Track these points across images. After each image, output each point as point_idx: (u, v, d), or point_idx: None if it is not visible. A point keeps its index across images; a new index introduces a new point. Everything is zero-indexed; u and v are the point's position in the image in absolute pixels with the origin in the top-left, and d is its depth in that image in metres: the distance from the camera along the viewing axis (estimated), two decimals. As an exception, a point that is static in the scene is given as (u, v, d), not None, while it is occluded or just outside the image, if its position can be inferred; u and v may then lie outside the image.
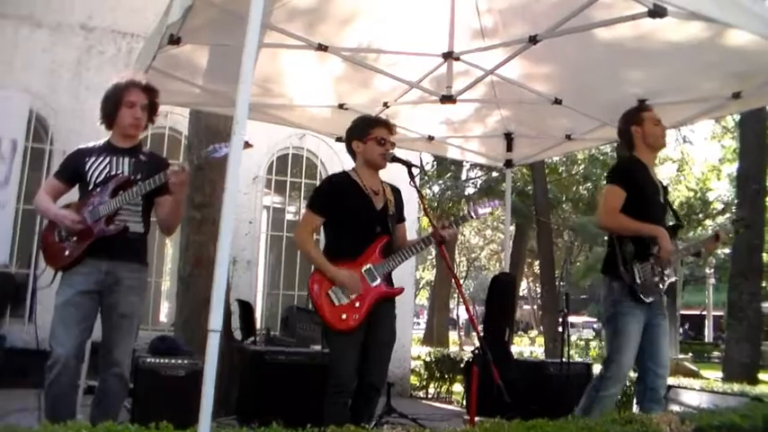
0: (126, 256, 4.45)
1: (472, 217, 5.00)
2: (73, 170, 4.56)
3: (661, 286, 5.07)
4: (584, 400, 5.05)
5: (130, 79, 4.64)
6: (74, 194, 4.59)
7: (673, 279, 5.18)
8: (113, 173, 4.48)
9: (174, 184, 4.34)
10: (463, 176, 25.37)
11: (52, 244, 4.47)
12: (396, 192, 5.05)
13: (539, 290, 33.71)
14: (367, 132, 4.86)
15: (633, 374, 5.56)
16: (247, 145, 4.20)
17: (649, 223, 5.02)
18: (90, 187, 4.46)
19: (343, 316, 4.58)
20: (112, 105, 4.53)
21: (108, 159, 4.51)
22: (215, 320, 2.76)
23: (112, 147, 4.58)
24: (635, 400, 5.40)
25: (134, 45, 10.04)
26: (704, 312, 41.91)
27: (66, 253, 4.39)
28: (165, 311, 12.11)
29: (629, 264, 4.96)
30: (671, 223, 5.27)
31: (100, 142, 4.64)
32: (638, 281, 4.93)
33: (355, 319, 4.59)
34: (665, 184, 5.61)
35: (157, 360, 6.23)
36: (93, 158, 4.51)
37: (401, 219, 5.05)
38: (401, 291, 4.89)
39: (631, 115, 5.35)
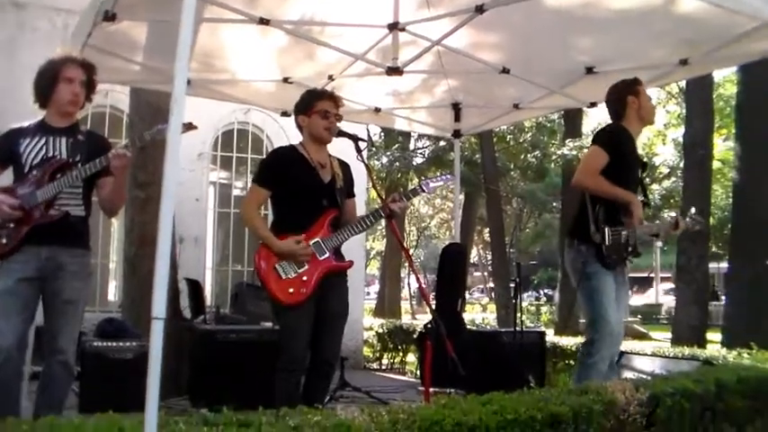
0: (67, 241, 4.30)
1: (423, 191, 4.97)
2: (6, 151, 4.34)
3: (625, 255, 5.09)
4: (579, 370, 5.04)
5: (67, 55, 4.47)
6: (7, 177, 4.41)
7: (637, 252, 5.19)
8: (50, 154, 4.30)
9: (117, 168, 4.19)
10: (411, 147, 25.35)
11: None
12: (344, 166, 5.00)
13: (489, 257, 33.98)
14: (311, 106, 4.81)
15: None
16: (191, 126, 4.11)
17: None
18: (26, 170, 4.27)
19: (291, 290, 4.54)
20: (49, 81, 4.33)
21: (44, 140, 4.32)
22: (158, 308, 2.67)
23: (48, 126, 4.38)
24: None
25: (69, 21, 9.67)
26: (651, 275, 42.65)
27: (4, 241, 4.20)
28: (113, 292, 11.93)
29: (602, 225, 4.97)
30: (639, 198, 5.26)
31: (34, 122, 4.43)
32: (607, 243, 4.94)
33: (303, 293, 4.55)
34: (644, 160, 5.65)
35: (104, 343, 6.17)
36: (27, 139, 4.31)
37: (350, 194, 5.01)
38: (351, 264, 4.86)
39: (627, 85, 5.32)
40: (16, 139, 4.33)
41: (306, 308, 4.57)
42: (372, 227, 4.91)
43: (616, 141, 5.14)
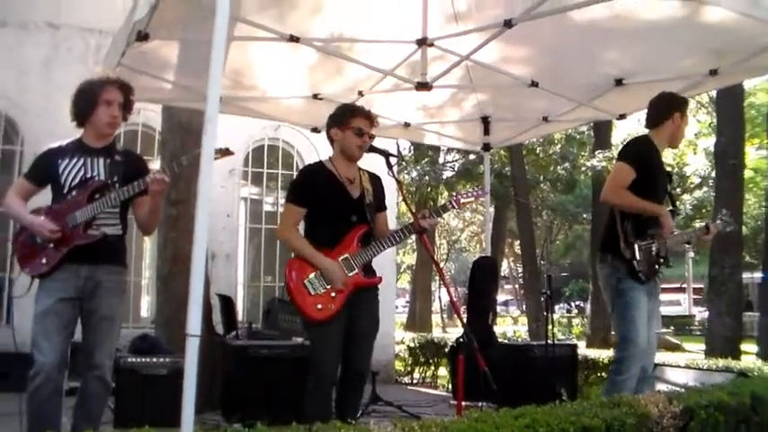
0: (105, 259, 4.36)
1: (453, 207, 4.96)
2: (44, 171, 4.42)
3: (657, 267, 5.10)
4: (608, 387, 5.02)
5: (106, 77, 4.51)
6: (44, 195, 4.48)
7: (668, 264, 5.19)
8: (89, 175, 4.36)
9: (154, 192, 4.26)
10: (441, 160, 25.34)
11: (27, 251, 4.34)
12: (374, 179, 5.00)
13: (519, 269, 33.84)
14: (347, 121, 4.80)
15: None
16: (228, 152, 4.19)
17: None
18: (65, 191, 4.33)
19: (319, 306, 4.54)
20: (88, 103, 4.38)
21: (82, 161, 4.38)
22: (193, 325, 2.71)
23: (86, 147, 4.43)
24: None
25: (102, 42, 9.84)
26: (684, 286, 42.25)
27: (44, 261, 4.27)
28: (146, 308, 12.03)
29: (631, 239, 4.98)
30: (668, 209, 5.25)
31: (70, 141, 4.47)
32: (638, 258, 4.95)
33: (331, 309, 4.55)
34: (670, 171, 5.64)
35: (138, 359, 6.19)
36: (66, 160, 4.37)
37: (381, 207, 5.00)
38: (380, 281, 4.86)
39: (680, 102, 5.33)
40: (54, 159, 4.39)
41: (335, 324, 4.58)
42: (402, 242, 4.91)
43: (642, 155, 5.13)
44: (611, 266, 5.09)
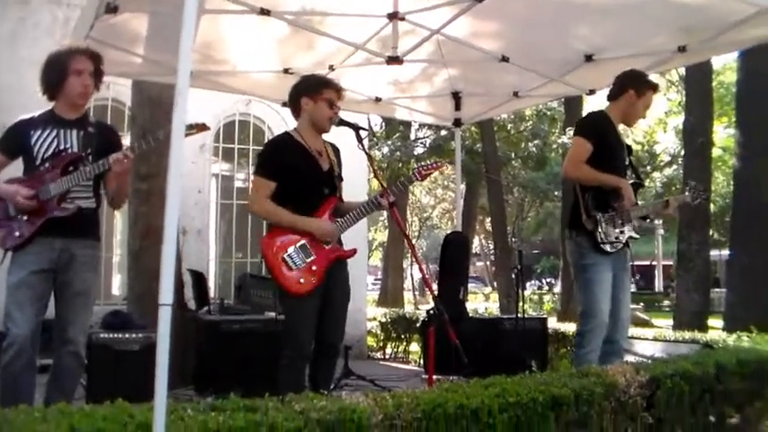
0: (80, 233, 4.36)
1: (417, 179, 4.98)
2: (15, 143, 4.39)
3: (621, 238, 5.15)
4: (574, 360, 5.11)
5: (75, 46, 4.49)
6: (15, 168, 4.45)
7: (633, 234, 5.24)
8: (62, 147, 4.34)
9: (118, 173, 4.28)
10: (412, 136, 25.34)
11: (0, 223, 4.32)
12: (336, 151, 4.99)
13: (491, 246, 34.00)
14: (319, 92, 4.76)
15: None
16: (204, 127, 4.19)
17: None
18: (37, 162, 4.32)
19: (301, 280, 4.55)
20: (58, 74, 4.34)
21: (55, 132, 4.35)
22: (165, 294, 2.72)
23: (58, 118, 4.40)
24: None
25: (70, 14, 9.73)
26: (654, 263, 42.69)
27: (17, 234, 4.25)
28: (117, 285, 11.97)
29: (592, 212, 5.05)
30: (631, 181, 5.31)
31: (42, 113, 4.44)
32: (600, 229, 5.02)
33: (312, 282, 4.57)
34: (629, 144, 5.68)
35: (111, 335, 6.17)
36: (38, 131, 4.34)
37: (341, 178, 4.98)
38: (355, 252, 4.88)
39: (638, 80, 5.38)
40: (26, 130, 4.36)
41: (313, 297, 4.60)
42: (371, 214, 4.92)
43: (597, 129, 5.22)
44: (575, 242, 5.18)
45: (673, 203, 5.56)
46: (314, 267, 4.59)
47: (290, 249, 4.58)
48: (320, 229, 4.60)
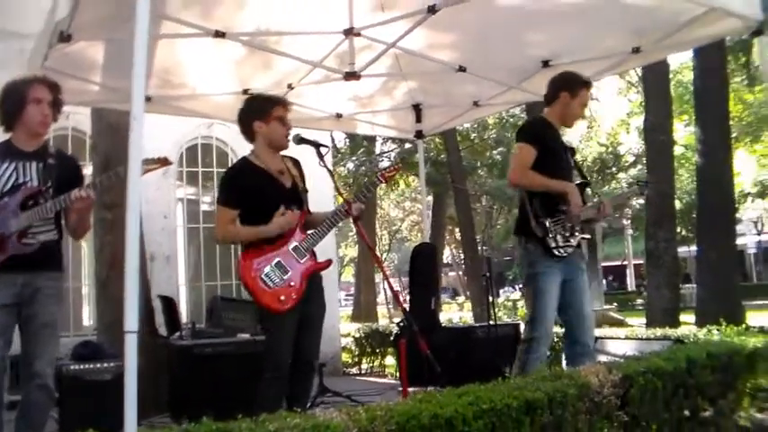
0: (43, 266, 4.28)
1: (381, 181, 5.03)
2: None
3: (572, 241, 5.15)
4: (517, 365, 5.10)
5: (33, 75, 4.44)
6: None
7: (584, 235, 5.27)
8: (21, 181, 4.26)
9: (80, 210, 4.25)
10: (377, 151, 25.39)
11: None
12: (296, 164, 5.00)
13: (462, 255, 34.08)
14: (269, 112, 4.78)
15: (561, 330, 5.67)
16: (166, 162, 4.17)
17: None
18: None
19: (282, 297, 4.57)
20: (15, 103, 4.27)
21: (14, 165, 4.27)
22: (130, 322, 2.71)
23: (16, 150, 4.32)
24: (564, 356, 5.50)
25: (25, 46, 9.65)
26: (625, 263, 43.00)
27: None
28: (87, 315, 11.86)
29: (541, 218, 5.04)
30: (578, 181, 5.35)
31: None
32: (550, 235, 5.03)
33: (294, 299, 4.59)
34: (572, 145, 5.72)
35: (81, 366, 6.11)
36: None
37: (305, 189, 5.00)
38: (330, 263, 4.89)
39: (570, 82, 5.37)
40: None
41: (294, 313, 4.62)
42: (338, 225, 4.93)
43: (539, 134, 5.23)
44: (525, 249, 5.19)
45: (607, 205, 5.48)
46: (292, 283, 4.61)
47: (267, 269, 4.59)
48: (280, 226, 4.62)
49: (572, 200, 5.08)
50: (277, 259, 4.62)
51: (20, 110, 4.28)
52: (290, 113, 4.91)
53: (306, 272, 4.67)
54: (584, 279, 5.30)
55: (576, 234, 5.17)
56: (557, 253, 5.05)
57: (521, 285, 43.99)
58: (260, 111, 4.83)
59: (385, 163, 24.78)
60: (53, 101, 4.37)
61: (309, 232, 4.74)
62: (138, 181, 2.91)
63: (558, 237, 5.06)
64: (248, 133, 4.88)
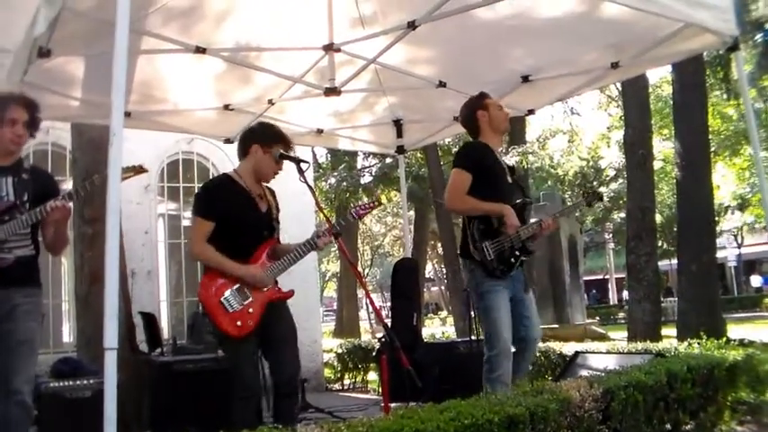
0: (20, 282, 4.26)
1: (354, 218, 5.03)
2: None
3: (513, 260, 5.12)
4: (485, 386, 5.06)
5: (9, 94, 4.44)
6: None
7: (528, 250, 5.24)
8: None
9: (57, 221, 4.22)
10: (359, 166, 25.39)
11: None
12: (273, 194, 5.01)
13: (445, 270, 34.11)
14: (271, 144, 4.77)
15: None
16: (141, 170, 4.17)
17: (496, 202, 5.10)
18: None
19: (238, 323, 4.56)
20: None
21: None
22: (110, 338, 2.70)
23: None
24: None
25: (4, 61, 9.64)
26: (607, 276, 43.17)
27: None
28: (67, 332, 11.79)
29: (478, 243, 5.04)
30: (518, 201, 5.30)
31: None
32: (489, 257, 5.01)
33: (249, 325, 4.58)
34: (511, 164, 5.70)
35: (61, 383, 6.06)
36: None
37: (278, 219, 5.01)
38: (291, 294, 4.85)
39: (475, 102, 5.41)
40: None
41: (252, 337, 4.61)
42: (306, 255, 4.92)
43: (474, 158, 5.23)
44: (468, 270, 5.20)
45: (550, 221, 5.39)
46: (251, 310, 4.59)
47: (227, 293, 4.58)
48: (253, 278, 4.60)
49: (507, 221, 5.06)
50: (238, 284, 4.61)
51: None
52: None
53: (266, 300, 4.66)
54: (529, 298, 5.29)
55: (518, 252, 5.15)
56: (498, 273, 5.04)
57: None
58: (265, 138, 4.82)
59: (366, 178, 24.80)
60: (29, 120, 4.37)
61: (274, 263, 4.73)
62: (117, 195, 2.91)
63: (500, 257, 5.05)
64: (243, 150, 4.88)
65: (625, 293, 30.24)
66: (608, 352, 7.31)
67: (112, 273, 2.75)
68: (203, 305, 4.66)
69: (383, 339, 6.49)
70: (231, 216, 4.66)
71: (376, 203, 5.31)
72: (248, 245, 4.68)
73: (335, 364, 12.45)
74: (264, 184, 4.94)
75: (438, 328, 30.19)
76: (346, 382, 12.11)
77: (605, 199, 29.22)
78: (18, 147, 4.39)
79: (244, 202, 4.72)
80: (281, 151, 4.75)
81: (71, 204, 4.22)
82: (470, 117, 5.39)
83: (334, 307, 35.91)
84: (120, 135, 2.91)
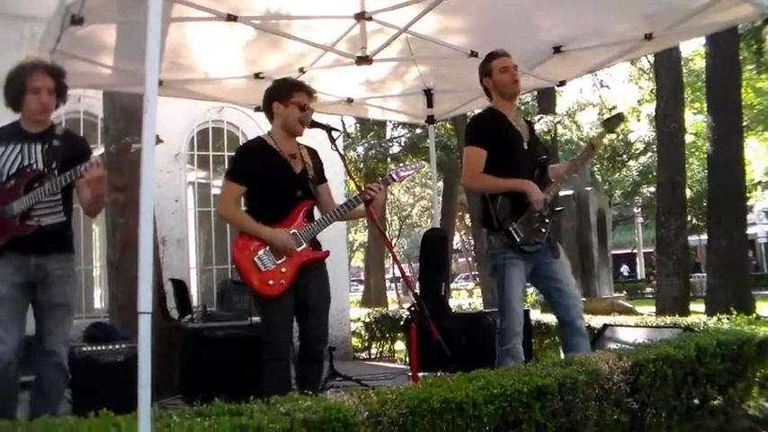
0: (53, 248, 4.35)
1: (394, 180, 5.00)
2: None
3: (543, 231, 5.06)
4: (498, 357, 5.04)
5: (34, 61, 4.47)
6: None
7: (554, 213, 5.18)
8: (26, 163, 4.33)
9: (91, 182, 4.24)
10: (387, 135, 25.35)
11: None
12: (313, 153, 5.03)
13: (472, 242, 34.05)
14: (290, 95, 4.82)
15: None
16: (158, 140, 4.20)
17: (516, 176, 5.01)
18: (3, 179, 4.32)
19: (270, 282, 4.60)
20: (16, 91, 4.36)
21: (19, 147, 4.35)
22: (144, 302, 2.73)
23: (23, 132, 4.41)
24: (561, 343, 5.43)
25: (36, 29, 9.65)
26: (635, 251, 42.92)
27: None
28: (99, 297, 11.93)
29: (504, 224, 4.95)
30: (543, 157, 5.24)
31: (8, 125, 4.46)
32: (518, 239, 4.93)
33: (282, 284, 4.61)
34: (529, 120, 5.55)
35: (94, 348, 6.14)
36: (2, 147, 4.34)
37: (322, 180, 5.02)
38: (327, 254, 4.89)
39: (481, 67, 5.32)
40: None
41: (285, 299, 4.64)
42: (348, 215, 4.92)
43: (485, 131, 5.13)
44: (488, 241, 5.11)
45: (597, 142, 5.38)
46: (283, 269, 4.63)
47: (261, 252, 4.63)
48: (276, 241, 4.62)
49: (531, 198, 4.96)
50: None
51: (21, 97, 4.36)
52: (314, 101, 4.93)
53: (299, 260, 4.68)
54: (560, 262, 5.17)
55: (546, 222, 5.07)
56: (526, 249, 4.97)
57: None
58: (281, 92, 4.86)
59: (395, 148, 24.74)
60: (56, 86, 4.42)
61: (313, 222, 4.76)
62: (151, 162, 2.92)
63: (527, 235, 4.97)
64: (268, 113, 4.93)
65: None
66: (636, 325, 7.29)
67: (146, 239, 2.79)
68: (237, 265, 4.70)
69: (412, 309, 6.49)
70: (262, 178, 4.70)
71: (418, 166, 5.26)
72: (281, 206, 4.72)
73: (363, 333, 12.52)
74: (303, 144, 4.97)
75: (465, 299, 30.21)
76: (373, 351, 12.20)
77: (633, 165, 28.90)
78: (45, 116, 4.45)
79: (275, 163, 4.75)
80: (313, 119, 4.77)
81: (104, 165, 4.24)
82: (481, 84, 5.32)
83: (361, 277, 36.07)
84: (154, 102, 2.92)
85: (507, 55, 5.28)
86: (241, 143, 10.97)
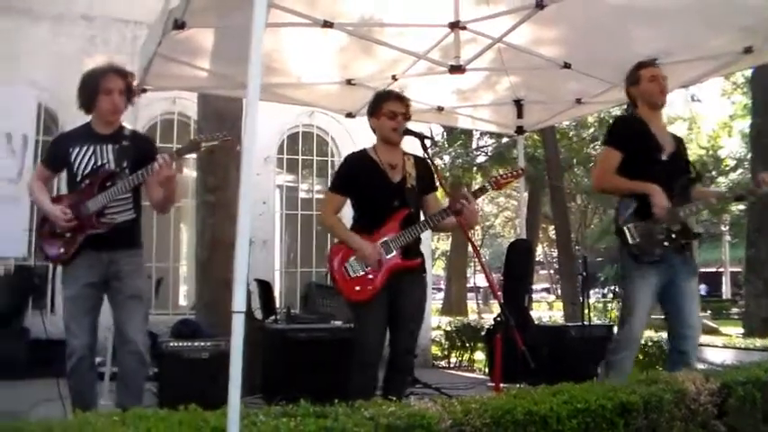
0: (124, 244, 4.58)
1: (493, 188, 4.99)
2: (58, 159, 4.67)
3: (667, 244, 4.86)
4: (603, 367, 5.01)
5: (108, 65, 4.69)
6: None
7: (695, 230, 5.02)
8: (99, 163, 4.55)
9: (163, 181, 4.43)
10: (474, 145, 25.27)
11: (49, 238, 4.59)
12: (419, 163, 5.07)
13: (554, 254, 33.68)
14: (378, 108, 4.94)
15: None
16: (226, 139, 4.41)
17: (649, 181, 4.87)
18: (78, 179, 4.55)
19: (357, 288, 4.72)
20: (90, 92, 4.58)
21: (92, 148, 4.57)
22: (239, 301, 2.81)
23: (94, 133, 4.63)
24: (666, 367, 5.31)
25: (137, 33, 9.92)
26: (721, 269, 41.85)
27: (62, 250, 4.53)
28: (184, 294, 12.17)
29: (621, 224, 4.91)
30: (690, 176, 5.09)
31: (81, 127, 4.71)
32: (632, 242, 4.83)
33: (369, 290, 4.72)
34: (677, 135, 5.43)
35: (181, 343, 6.29)
36: (77, 147, 4.57)
37: (428, 189, 5.06)
38: (417, 263, 4.94)
39: (629, 75, 5.24)
40: (66, 147, 4.62)
41: (376, 305, 4.73)
42: (440, 226, 4.96)
43: (623, 135, 5.06)
44: (619, 252, 5.03)
45: (755, 190, 5.04)
46: (371, 276, 4.73)
47: (351, 258, 4.76)
48: (359, 251, 4.74)
49: (654, 201, 4.80)
50: None
51: (93, 99, 4.57)
52: (407, 106, 5.00)
53: (389, 268, 4.75)
54: (691, 285, 5.01)
55: (673, 237, 4.86)
56: (642, 258, 4.84)
57: (612, 287, 43.29)
58: (372, 107, 5.02)
59: (481, 157, 24.64)
60: (125, 88, 4.62)
61: (399, 233, 4.81)
62: (251, 163, 3.03)
63: (643, 241, 4.83)
64: (371, 128, 5.06)
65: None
66: (725, 346, 7.14)
67: (243, 240, 2.87)
68: (329, 269, 4.87)
69: (498, 318, 6.48)
70: (359, 189, 4.88)
71: (519, 173, 5.26)
72: (378, 215, 4.84)
73: (443, 341, 12.49)
74: (409, 154, 5.05)
75: (545, 312, 29.91)
76: (453, 360, 12.15)
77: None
78: (116, 116, 4.65)
79: (372, 174, 4.87)
80: (406, 127, 4.87)
81: (174, 163, 4.42)
82: (627, 93, 5.25)
83: (441, 285, 35.97)
84: (255, 105, 3.01)
85: (656, 65, 5.24)
86: (330, 149, 11.16)
